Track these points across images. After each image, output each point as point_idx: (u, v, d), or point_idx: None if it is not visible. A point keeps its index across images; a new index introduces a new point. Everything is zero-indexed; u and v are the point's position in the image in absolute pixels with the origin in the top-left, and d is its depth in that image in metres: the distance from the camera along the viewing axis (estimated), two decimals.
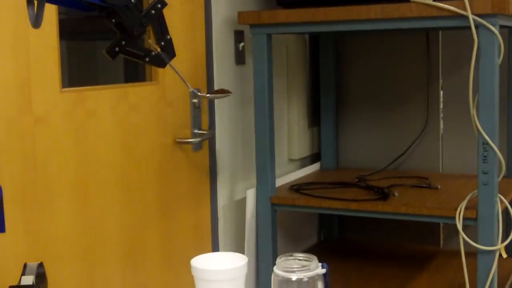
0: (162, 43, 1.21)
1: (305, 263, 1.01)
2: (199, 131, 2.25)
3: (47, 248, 1.70)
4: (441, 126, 2.78)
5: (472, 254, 2.12)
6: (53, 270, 1.68)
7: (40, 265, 1.40)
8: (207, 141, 2.32)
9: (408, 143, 2.81)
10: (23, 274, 1.35)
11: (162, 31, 1.21)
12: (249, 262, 2.41)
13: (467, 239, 2.06)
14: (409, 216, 2.21)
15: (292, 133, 2.82)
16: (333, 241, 2.96)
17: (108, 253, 1.90)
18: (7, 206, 1.07)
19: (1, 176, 1.47)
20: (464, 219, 2.08)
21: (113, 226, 1.92)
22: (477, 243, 2.05)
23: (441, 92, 2.77)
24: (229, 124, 2.41)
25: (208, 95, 1.22)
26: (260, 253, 2.39)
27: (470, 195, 2.13)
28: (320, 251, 2.77)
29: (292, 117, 2.81)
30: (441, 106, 2.77)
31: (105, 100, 1.88)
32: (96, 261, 1.86)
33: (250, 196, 2.42)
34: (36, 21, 1.00)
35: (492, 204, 2.03)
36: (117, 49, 1.17)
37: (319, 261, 1.02)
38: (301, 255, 1.02)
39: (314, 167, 2.91)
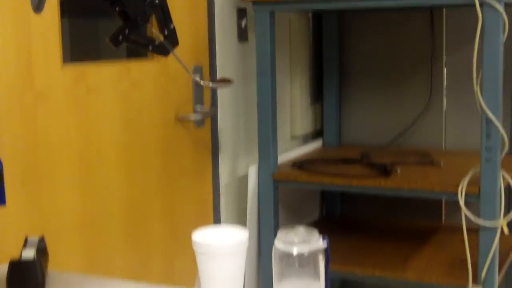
0: (166, 32, 1.21)
1: (306, 236, 1.00)
2: (201, 108, 2.25)
3: (48, 222, 1.70)
4: (444, 103, 2.77)
5: (474, 230, 2.12)
6: (55, 244, 1.69)
7: (41, 239, 1.40)
8: (209, 118, 2.31)
9: (411, 119, 2.80)
10: (24, 247, 1.35)
11: (165, 20, 1.20)
12: (251, 238, 2.41)
13: (469, 215, 2.06)
14: (412, 192, 2.21)
15: (295, 109, 2.81)
16: (335, 218, 2.96)
17: (110, 228, 1.91)
18: (8, 180, 1.07)
19: (2, 151, 1.47)
20: (466, 195, 2.08)
21: (115, 201, 1.92)
22: (479, 218, 2.05)
23: (445, 69, 2.75)
24: (231, 101, 2.40)
25: (210, 84, 1.21)
26: (262, 229, 2.39)
27: (472, 171, 2.13)
28: (322, 227, 2.77)
29: (295, 93, 2.80)
30: (445, 83, 2.76)
31: (107, 76, 1.88)
32: (98, 236, 1.87)
33: (252, 173, 2.42)
34: (38, 6, 1.00)
35: (494, 181, 2.03)
36: (120, 37, 1.16)
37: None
38: (302, 228, 1.02)
39: (317, 143, 2.90)
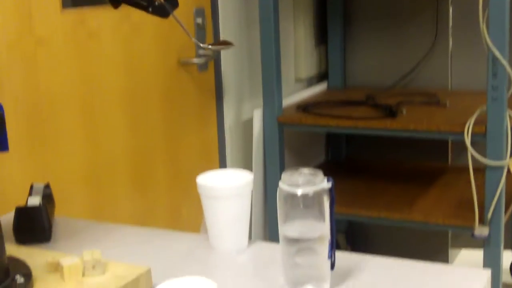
0: None
1: (310, 177, 1.00)
2: (204, 51, 2.22)
3: (53, 169, 1.70)
4: (450, 43, 2.73)
5: (480, 170, 2.11)
6: (60, 191, 1.69)
7: (47, 186, 1.40)
8: (212, 62, 2.29)
9: (417, 60, 2.77)
10: (30, 195, 1.35)
11: None
12: (257, 182, 2.41)
13: (475, 154, 2.05)
14: (418, 133, 2.19)
15: (299, 52, 2.78)
16: (341, 160, 2.96)
17: (115, 174, 1.91)
18: (11, 127, 1.06)
19: (4, 98, 1.46)
20: (472, 135, 2.07)
21: (119, 147, 1.92)
22: (485, 158, 2.04)
23: (451, 8, 2.71)
24: (235, 43, 2.36)
25: (210, 46, 1.19)
26: (268, 172, 2.39)
27: (479, 111, 2.11)
28: (327, 169, 2.77)
29: (299, 36, 2.77)
30: (451, 22, 2.72)
31: (107, 21, 1.85)
32: (103, 182, 1.87)
33: (257, 116, 2.41)
34: None
35: (501, 120, 2.02)
36: None
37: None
38: (306, 170, 1.01)
39: (321, 86, 2.88)
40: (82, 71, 1.77)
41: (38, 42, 1.64)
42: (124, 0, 1.16)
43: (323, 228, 1.00)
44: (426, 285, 1.04)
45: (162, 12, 1.19)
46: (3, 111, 1.00)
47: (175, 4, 1.20)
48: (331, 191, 1.00)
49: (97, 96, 1.83)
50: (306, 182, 0.99)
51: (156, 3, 1.18)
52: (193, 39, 1.22)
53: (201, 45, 1.22)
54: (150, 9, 1.18)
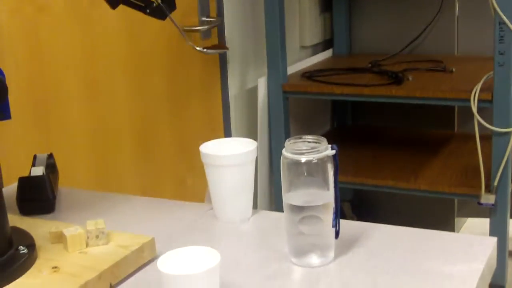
0: None
1: (314, 145, 0.98)
2: (207, 19, 2.19)
3: (57, 139, 1.69)
4: (457, 8, 2.69)
5: (487, 137, 2.10)
6: (64, 161, 1.68)
7: (50, 156, 1.39)
8: (216, 29, 2.26)
9: (423, 26, 2.73)
10: (33, 165, 1.35)
11: None
12: (262, 151, 2.40)
13: (482, 121, 2.03)
14: (424, 100, 2.17)
15: (304, 19, 2.75)
16: (346, 129, 2.94)
17: (119, 144, 1.90)
18: (13, 97, 1.06)
19: (5, 66, 1.45)
20: (479, 101, 2.05)
21: (123, 117, 1.91)
22: (492, 125, 2.03)
23: None
24: (238, 10, 2.34)
25: (205, 50, 1.18)
26: (273, 140, 2.38)
27: (485, 77, 2.09)
28: (332, 137, 2.75)
29: (304, 2, 2.73)
30: None
31: None
32: (107, 152, 1.86)
33: (262, 84, 2.39)
34: None
35: (508, 85, 1.99)
36: None
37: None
38: (310, 137, 1.00)
39: (327, 53, 2.85)
40: (84, 38, 1.75)
41: (39, 9, 1.62)
42: (122, 1, 1.16)
43: (327, 196, 0.99)
44: (432, 252, 1.03)
45: (160, 13, 1.20)
46: (4, 77, 0.99)
47: (172, 6, 1.21)
48: (335, 158, 0.99)
49: (100, 64, 1.81)
50: (310, 149, 0.98)
51: (154, 4, 1.18)
52: (189, 42, 1.22)
53: (197, 48, 1.22)
54: (148, 11, 1.19)
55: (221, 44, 1.22)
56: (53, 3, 1.66)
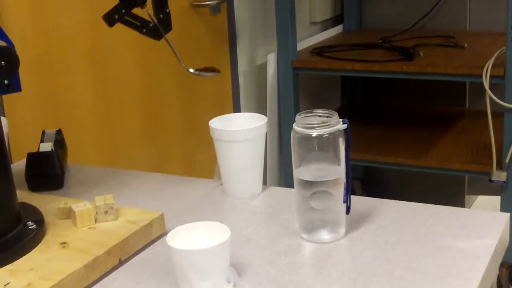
0: (161, 15, 1.19)
1: (325, 119, 0.97)
2: None
3: (65, 115, 1.69)
4: None
5: (498, 114, 2.07)
6: (72, 137, 1.67)
7: (59, 131, 1.39)
8: (225, 4, 2.24)
9: (434, 1, 2.70)
10: (42, 141, 1.34)
11: (162, 3, 1.19)
12: (272, 127, 2.39)
13: (493, 97, 2.01)
14: (435, 75, 2.15)
15: None
16: (357, 105, 2.92)
17: (128, 120, 1.89)
18: (22, 73, 1.05)
19: (14, 42, 1.44)
20: (491, 77, 2.02)
21: (131, 93, 1.89)
22: (504, 101, 2.01)
23: None
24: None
25: (198, 72, 1.18)
26: (282, 117, 2.37)
27: (498, 52, 2.06)
28: (343, 113, 2.73)
29: None
30: None
31: None
32: (116, 128, 1.85)
33: (271, 61, 2.37)
34: None
35: None
36: (116, 16, 1.15)
37: None
38: (321, 111, 0.99)
39: (337, 29, 2.83)
40: (91, 14, 1.74)
41: None
42: (119, 20, 1.16)
43: (338, 171, 0.98)
44: (444, 228, 1.02)
45: (155, 34, 1.20)
46: (14, 48, 0.98)
47: (168, 27, 1.20)
48: (346, 133, 0.98)
49: (108, 41, 1.80)
50: (321, 123, 0.96)
51: (150, 24, 1.18)
52: (182, 64, 1.21)
53: (190, 70, 1.21)
54: (144, 30, 1.19)
55: (213, 67, 1.21)
56: None
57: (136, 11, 1.17)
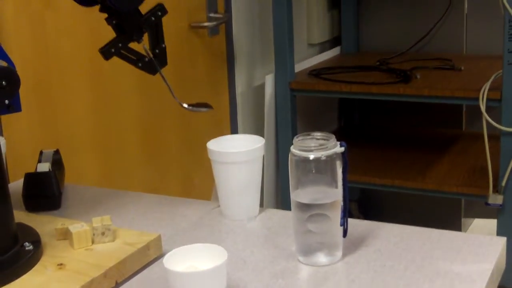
0: (156, 50, 1.20)
1: (322, 141, 0.97)
2: (215, 15, 2.19)
3: (63, 135, 1.69)
4: (466, 6, 2.67)
5: (495, 137, 2.08)
6: (70, 157, 1.67)
7: (56, 152, 1.39)
8: (223, 26, 2.25)
9: (431, 24, 2.72)
10: (39, 161, 1.34)
11: (158, 38, 1.20)
12: (269, 149, 2.39)
13: (490, 120, 2.01)
14: (432, 98, 2.16)
15: (311, 16, 2.73)
16: (354, 127, 2.93)
17: (126, 140, 1.89)
18: (21, 92, 1.05)
19: (13, 61, 1.44)
20: (487, 100, 2.03)
21: (129, 113, 1.90)
22: (500, 124, 2.01)
23: None
24: (246, 7, 2.33)
25: (190, 107, 1.20)
26: (280, 138, 2.37)
27: (494, 75, 2.07)
28: (340, 136, 2.73)
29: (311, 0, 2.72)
30: None
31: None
32: (114, 148, 1.85)
33: (269, 82, 2.38)
34: None
35: None
36: (112, 50, 1.16)
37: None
38: (318, 134, 0.99)
39: (334, 51, 2.84)
40: (90, 35, 1.74)
41: (46, 4, 1.61)
42: (115, 53, 1.17)
43: (335, 194, 0.98)
44: (441, 252, 1.02)
45: (151, 68, 1.20)
46: (14, 68, 0.99)
47: (163, 62, 1.22)
48: (344, 155, 0.98)
49: (106, 61, 1.80)
50: (319, 146, 0.97)
51: (146, 59, 1.19)
52: (176, 100, 1.23)
53: (184, 105, 1.23)
54: (140, 64, 1.19)
55: (206, 103, 1.23)
56: None
57: (132, 45, 1.17)
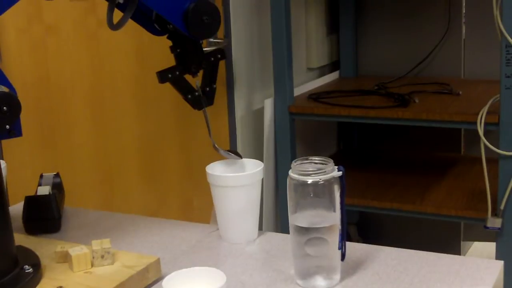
0: (207, 88, 1.24)
1: (320, 166, 0.98)
2: (215, 40, 2.21)
3: (63, 158, 1.70)
4: (464, 31, 2.70)
5: (493, 160, 2.09)
6: (71, 180, 1.68)
7: (57, 175, 1.40)
8: (223, 49, 2.27)
9: (430, 48, 2.74)
10: (39, 184, 1.35)
11: (211, 78, 1.24)
12: (268, 172, 2.40)
13: (488, 144, 2.02)
14: (430, 122, 2.17)
15: (310, 41, 2.76)
16: (353, 151, 2.94)
17: (126, 164, 1.90)
18: (22, 116, 1.07)
19: (14, 85, 1.46)
20: (485, 124, 2.04)
21: (130, 137, 1.91)
22: (498, 148, 2.02)
23: None
24: (245, 32, 2.35)
25: (222, 151, 1.23)
26: (279, 162, 2.38)
27: (492, 99, 2.08)
28: (339, 159, 2.75)
29: (310, 24, 2.75)
30: (464, 10, 2.68)
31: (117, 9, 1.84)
32: (114, 172, 1.86)
33: (268, 106, 2.39)
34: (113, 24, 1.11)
35: None
36: (169, 75, 1.20)
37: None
38: (316, 158, 1.00)
39: (333, 75, 2.86)
40: (91, 59, 1.76)
41: (47, 30, 1.63)
42: (171, 79, 1.20)
43: (333, 218, 0.99)
44: (439, 276, 1.03)
45: (197, 104, 1.24)
46: (16, 93, 1.00)
47: (210, 101, 1.26)
48: (342, 180, 0.99)
49: (107, 85, 1.82)
50: (317, 170, 0.98)
51: (196, 93, 1.22)
52: (212, 140, 1.27)
53: (216, 147, 1.26)
54: (189, 96, 1.23)
55: (237, 152, 1.26)
56: (61, 23, 1.67)
57: (187, 77, 1.21)
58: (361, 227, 2.99)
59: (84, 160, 1.76)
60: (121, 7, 1.15)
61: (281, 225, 2.42)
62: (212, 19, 1.17)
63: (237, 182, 1.16)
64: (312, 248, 0.99)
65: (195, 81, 1.22)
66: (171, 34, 1.19)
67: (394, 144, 2.91)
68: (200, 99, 1.23)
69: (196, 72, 1.21)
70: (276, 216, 2.48)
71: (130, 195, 1.92)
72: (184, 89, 1.22)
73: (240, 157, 1.23)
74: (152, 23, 1.20)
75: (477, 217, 2.13)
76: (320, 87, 2.67)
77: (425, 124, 2.20)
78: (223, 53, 1.25)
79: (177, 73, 1.20)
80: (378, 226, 2.99)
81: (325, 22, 2.83)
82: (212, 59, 1.23)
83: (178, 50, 1.20)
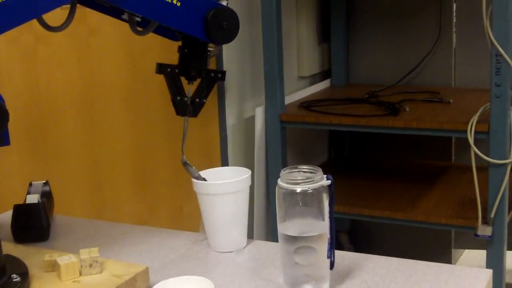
0: (197, 99, 1.25)
1: (309, 175, 0.98)
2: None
3: (53, 166, 1.69)
4: (454, 40, 2.71)
5: (483, 168, 2.09)
6: (60, 189, 1.67)
7: (46, 183, 1.39)
8: (214, 59, 2.27)
9: (420, 57, 2.75)
10: (28, 193, 1.34)
11: (205, 92, 1.25)
12: (259, 180, 2.40)
13: (478, 153, 2.03)
14: (420, 130, 2.18)
15: (302, 49, 2.76)
16: (344, 159, 2.94)
17: (116, 172, 1.90)
18: (10, 124, 1.06)
19: (3, 94, 1.45)
20: (476, 132, 2.05)
21: (120, 145, 1.91)
22: (488, 157, 2.03)
23: (454, 5, 2.69)
24: (236, 41, 2.34)
25: (185, 162, 1.24)
26: (270, 171, 2.38)
27: (482, 108, 2.09)
28: (330, 168, 2.75)
29: (302, 33, 2.75)
30: (454, 19, 2.70)
31: (107, 17, 1.83)
32: (104, 180, 1.86)
33: (259, 114, 2.39)
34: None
35: (504, 117, 2.00)
36: (168, 69, 1.20)
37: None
38: (305, 167, 1.00)
39: (324, 84, 2.86)
40: (82, 68, 1.76)
41: (38, 38, 1.63)
42: (169, 73, 1.20)
43: (322, 227, 0.99)
44: (428, 284, 1.03)
45: (182, 109, 1.24)
46: (4, 102, 1.00)
47: (195, 113, 1.26)
48: (330, 188, 0.99)
49: (98, 93, 1.82)
50: (305, 179, 0.98)
51: (185, 99, 1.23)
52: (182, 151, 1.28)
53: (184, 158, 1.28)
54: (178, 98, 1.23)
55: (194, 169, 1.27)
56: (52, 33, 1.66)
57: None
58: (353, 235, 2.99)
59: (74, 168, 1.76)
60: (141, 25, 1.17)
61: (272, 233, 2.42)
62: (231, 24, 1.19)
63: (223, 189, 1.16)
64: (300, 257, 0.99)
65: (188, 88, 1.22)
66: (184, 36, 1.21)
67: (385, 152, 2.91)
68: (186, 106, 1.23)
69: (193, 79, 1.22)
70: (267, 224, 2.48)
71: (120, 203, 1.91)
72: (175, 89, 1.22)
73: (198, 176, 1.23)
74: (173, 32, 1.22)
75: (467, 225, 2.13)
76: (311, 95, 2.67)
77: (416, 133, 2.20)
78: (224, 75, 1.27)
79: (176, 71, 1.21)
80: (370, 234, 2.99)
81: (316, 31, 2.84)
82: (213, 74, 1.24)
83: (186, 51, 1.21)
